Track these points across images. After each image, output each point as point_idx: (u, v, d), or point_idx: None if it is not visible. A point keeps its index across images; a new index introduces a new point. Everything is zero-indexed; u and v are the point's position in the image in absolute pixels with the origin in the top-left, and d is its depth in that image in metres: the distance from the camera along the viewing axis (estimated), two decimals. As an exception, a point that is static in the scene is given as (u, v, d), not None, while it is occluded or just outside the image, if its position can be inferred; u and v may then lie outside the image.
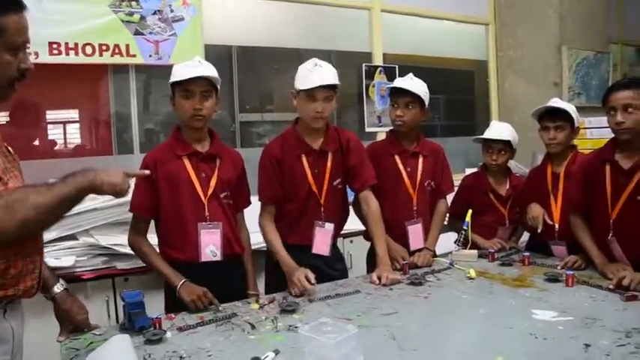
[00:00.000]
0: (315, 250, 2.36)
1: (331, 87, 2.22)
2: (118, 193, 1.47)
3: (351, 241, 3.34)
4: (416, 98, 2.49)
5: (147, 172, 1.79)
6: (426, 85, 2.56)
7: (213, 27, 3.72)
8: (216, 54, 3.75)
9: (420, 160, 2.59)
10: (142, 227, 2.15)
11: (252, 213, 2.38)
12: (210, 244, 2.12)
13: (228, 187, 2.20)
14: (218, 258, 2.13)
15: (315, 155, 2.32)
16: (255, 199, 2.38)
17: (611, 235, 2.25)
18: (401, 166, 2.56)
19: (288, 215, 2.34)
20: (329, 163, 2.34)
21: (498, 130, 2.81)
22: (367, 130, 4.39)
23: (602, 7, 5.10)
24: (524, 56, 4.98)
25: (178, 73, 2.07)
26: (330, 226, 2.33)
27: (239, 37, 4.00)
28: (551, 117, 2.53)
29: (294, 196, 2.32)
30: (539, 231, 2.51)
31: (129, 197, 2.05)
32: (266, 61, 4.23)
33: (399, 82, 2.54)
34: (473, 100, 5.47)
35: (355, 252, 3.26)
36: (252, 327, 1.79)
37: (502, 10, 5.16)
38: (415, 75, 2.57)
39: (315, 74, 2.19)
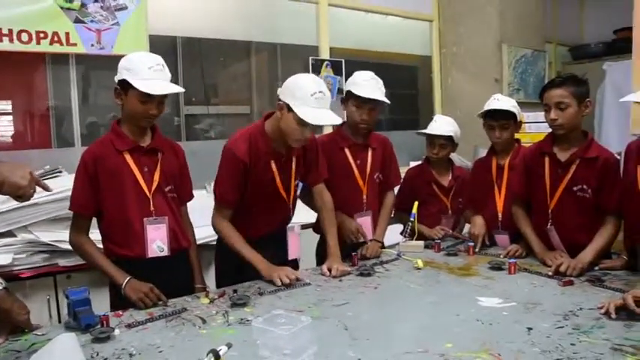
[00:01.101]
0: (291, 257, 2.39)
1: None
2: (20, 197, 1.34)
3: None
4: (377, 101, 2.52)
5: (51, 189, 1.57)
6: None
7: (157, 17, 3.63)
8: (160, 45, 3.67)
9: (370, 152, 2.63)
10: (84, 225, 2.07)
11: (196, 207, 2.35)
12: (157, 240, 2.07)
13: (172, 181, 2.16)
14: (165, 253, 2.09)
15: (283, 160, 2.29)
16: (197, 193, 2.35)
17: (549, 224, 2.35)
18: (351, 159, 2.60)
19: (253, 212, 2.30)
20: (293, 167, 2.33)
21: (441, 125, 2.88)
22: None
23: (537, 7, 5.32)
24: (467, 52, 5.13)
25: (144, 82, 1.94)
26: (298, 228, 2.36)
27: (184, 28, 3.91)
28: (494, 117, 2.62)
29: (261, 198, 2.29)
30: (476, 250, 2.59)
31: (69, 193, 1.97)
32: (212, 53, 4.17)
33: (367, 92, 2.51)
34: (417, 94, 5.58)
35: (303, 244, 3.25)
36: (203, 321, 1.77)
37: (445, 8, 5.29)
38: (360, 69, 2.60)
39: (323, 110, 2.10)
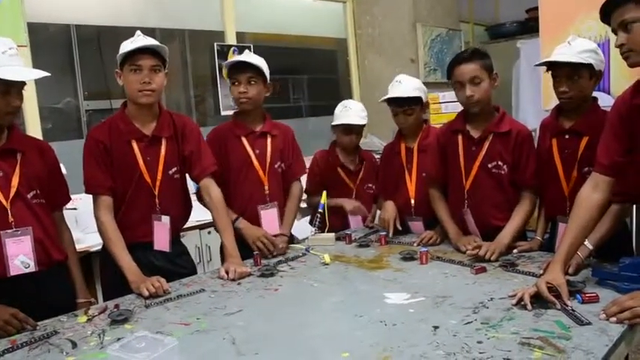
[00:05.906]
0: (156, 247, 2.15)
1: (158, 57, 2.04)
2: None
3: (209, 232, 3.14)
4: (258, 73, 2.35)
5: None
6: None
7: (41, 2, 3.27)
8: (52, 34, 3.32)
9: (269, 140, 2.45)
10: None
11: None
12: (20, 254, 1.79)
13: (38, 185, 1.88)
14: (32, 269, 1.82)
15: (148, 141, 2.10)
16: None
17: (466, 205, 2.25)
18: (249, 148, 2.41)
19: (119, 210, 2.10)
20: (163, 150, 2.13)
21: (356, 112, 2.78)
22: (223, 113, 4.14)
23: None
24: (382, 34, 5.01)
25: (4, 70, 1.70)
26: (166, 219, 2.11)
27: (77, 15, 3.55)
28: (398, 103, 2.50)
29: (125, 188, 2.09)
30: (390, 235, 2.47)
31: None
32: (112, 42, 3.82)
33: (241, 57, 2.38)
34: (337, 79, 5.42)
35: (213, 244, 3.07)
36: (74, 345, 1.52)
37: (358, -13, 5.13)
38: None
39: (138, 42, 2.00)
